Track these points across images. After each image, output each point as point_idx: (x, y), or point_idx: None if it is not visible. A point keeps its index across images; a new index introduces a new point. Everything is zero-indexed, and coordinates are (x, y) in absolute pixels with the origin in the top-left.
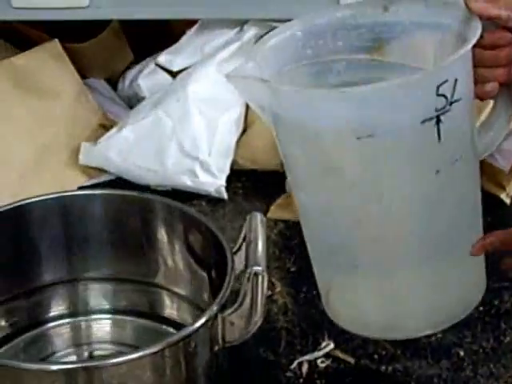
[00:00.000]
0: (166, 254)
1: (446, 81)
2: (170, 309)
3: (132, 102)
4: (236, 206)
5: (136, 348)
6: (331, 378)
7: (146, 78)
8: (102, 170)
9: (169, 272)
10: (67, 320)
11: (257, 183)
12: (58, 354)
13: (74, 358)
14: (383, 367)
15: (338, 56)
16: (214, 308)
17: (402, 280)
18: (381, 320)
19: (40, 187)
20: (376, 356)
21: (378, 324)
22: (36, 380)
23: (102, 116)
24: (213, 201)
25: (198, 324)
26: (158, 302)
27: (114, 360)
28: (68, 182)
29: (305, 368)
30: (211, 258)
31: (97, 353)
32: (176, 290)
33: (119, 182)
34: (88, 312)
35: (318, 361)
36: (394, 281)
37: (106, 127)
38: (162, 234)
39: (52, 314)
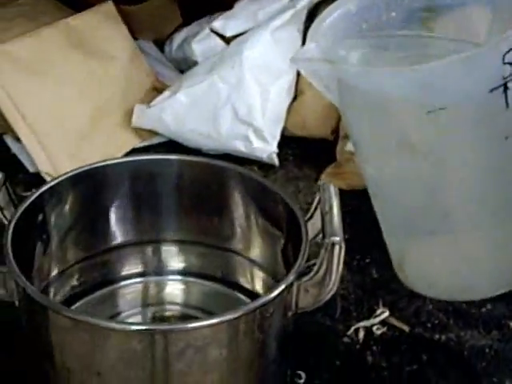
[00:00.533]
0: (239, 220)
1: (511, 49)
2: (240, 274)
3: (181, 65)
4: (287, 173)
5: (203, 311)
6: (387, 344)
7: (200, 42)
8: (153, 133)
9: (242, 237)
10: (137, 280)
11: (307, 150)
12: (124, 314)
13: (140, 318)
14: (437, 336)
15: (391, 29)
16: (291, 277)
17: (476, 243)
18: (455, 282)
19: (95, 148)
20: (429, 325)
21: (453, 286)
22: (116, 339)
23: (155, 79)
24: (264, 167)
25: (275, 292)
26: (229, 267)
27: (195, 324)
28: (122, 144)
29: (361, 334)
30: (283, 226)
31: (166, 314)
32: (249, 255)
33: (170, 145)
34: (158, 273)
35: (374, 328)
36: (468, 244)
37: (158, 90)
38: (234, 201)
39: (123, 274)
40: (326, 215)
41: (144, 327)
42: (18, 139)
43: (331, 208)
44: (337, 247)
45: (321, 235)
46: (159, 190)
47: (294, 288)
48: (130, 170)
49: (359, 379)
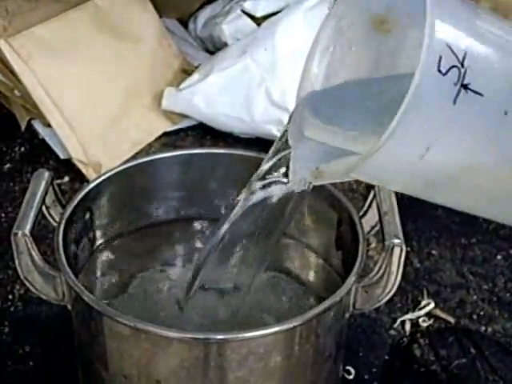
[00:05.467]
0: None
1: (440, 57)
2: (290, 260)
3: (206, 44)
4: None
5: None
6: (434, 337)
7: (230, 23)
8: (183, 116)
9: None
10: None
11: None
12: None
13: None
14: (483, 328)
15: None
16: (351, 280)
17: None
18: None
19: (125, 134)
20: (475, 316)
21: None
22: (177, 347)
23: (183, 60)
24: None
25: (337, 297)
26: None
27: (257, 332)
28: (152, 129)
29: (407, 327)
30: (334, 222)
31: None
32: (302, 240)
33: (201, 128)
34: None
35: (420, 320)
36: None
37: (187, 72)
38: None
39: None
40: (385, 216)
41: (205, 336)
42: (47, 125)
43: (390, 208)
44: (397, 249)
45: (373, 231)
46: (207, 184)
47: (353, 290)
48: (176, 164)
49: (408, 373)
